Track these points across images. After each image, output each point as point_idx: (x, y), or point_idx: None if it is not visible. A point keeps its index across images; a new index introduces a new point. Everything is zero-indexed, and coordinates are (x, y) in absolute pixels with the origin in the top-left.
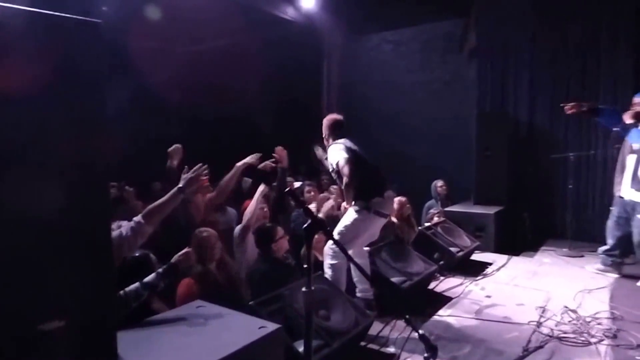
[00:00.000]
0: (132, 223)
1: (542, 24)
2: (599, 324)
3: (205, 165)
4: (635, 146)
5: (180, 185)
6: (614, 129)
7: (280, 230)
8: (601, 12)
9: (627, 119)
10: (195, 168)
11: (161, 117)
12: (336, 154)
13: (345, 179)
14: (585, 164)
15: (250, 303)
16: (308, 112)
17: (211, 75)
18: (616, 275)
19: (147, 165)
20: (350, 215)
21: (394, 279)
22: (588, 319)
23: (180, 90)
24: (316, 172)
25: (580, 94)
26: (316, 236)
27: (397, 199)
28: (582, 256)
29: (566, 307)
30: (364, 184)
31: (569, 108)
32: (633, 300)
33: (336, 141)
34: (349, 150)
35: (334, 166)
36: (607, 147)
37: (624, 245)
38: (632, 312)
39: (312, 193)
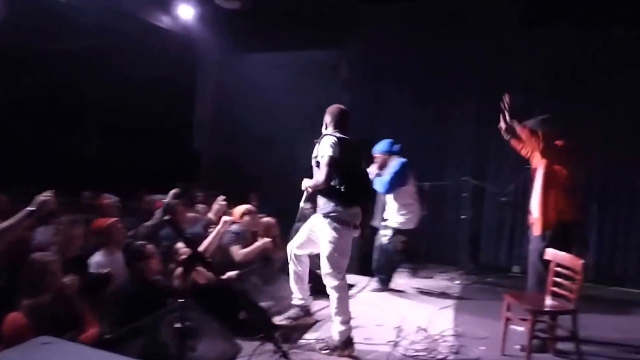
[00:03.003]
0: None
1: (409, 57)
2: (445, 341)
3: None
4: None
5: (31, 207)
6: None
7: (150, 249)
8: (455, 51)
9: (374, 170)
10: (47, 193)
11: (21, 120)
12: (325, 148)
13: (319, 179)
14: (439, 193)
15: (106, 337)
16: (178, 128)
17: (76, 77)
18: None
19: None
20: (329, 235)
21: (263, 304)
22: (436, 337)
23: (39, 92)
24: (187, 188)
25: (436, 126)
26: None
27: (265, 220)
28: (431, 277)
29: (419, 326)
30: (347, 189)
31: None
32: (472, 318)
33: (334, 133)
34: (340, 147)
35: (317, 158)
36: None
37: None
38: (472, 328)
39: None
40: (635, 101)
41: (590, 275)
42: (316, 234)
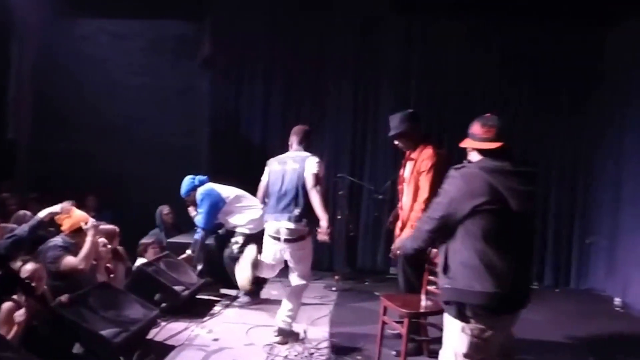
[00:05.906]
0: None
1: (278, 43)
2: (321, 354)
3: None
4: None
5: None
6: None
7: None
8: (328, 38)
9: (192, 210)
10: None
11: None
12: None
13: None
14: None
15: None
16: None
17: None
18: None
19: None
20: None
21: (105, 332)
22: (312, 350)
23: None
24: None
25: (308, 117)
26: None
27: (107, 228)
28: None
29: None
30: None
31: None
32: (349, 327)
33: (283, 154)
34: (268, 170)
35: None
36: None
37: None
38: (348, 338)
39: None
40: (516, 98)
41: None
42: None
